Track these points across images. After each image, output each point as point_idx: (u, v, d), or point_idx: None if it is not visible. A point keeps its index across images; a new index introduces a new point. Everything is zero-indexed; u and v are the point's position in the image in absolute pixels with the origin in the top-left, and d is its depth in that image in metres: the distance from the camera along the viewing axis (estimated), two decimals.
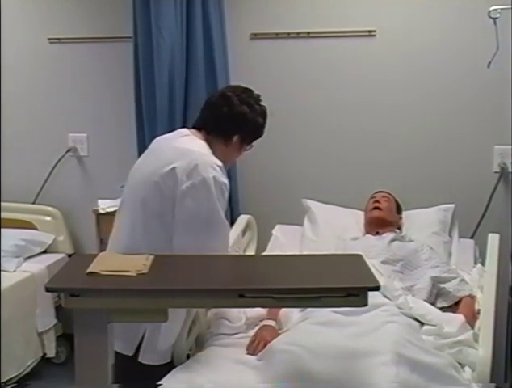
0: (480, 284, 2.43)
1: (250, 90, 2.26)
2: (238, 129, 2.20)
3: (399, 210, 2.86)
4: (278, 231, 2.98)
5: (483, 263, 2.56)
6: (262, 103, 2.26)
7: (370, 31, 3.02)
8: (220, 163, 2.09)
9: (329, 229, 2.89)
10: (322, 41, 3.09)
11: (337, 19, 3.06)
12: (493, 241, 2.55)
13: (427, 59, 2.98)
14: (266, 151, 2.88)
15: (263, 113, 2.26)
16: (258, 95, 2.26)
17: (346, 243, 2.68)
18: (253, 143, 2.30)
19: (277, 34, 3.13)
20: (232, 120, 2.19)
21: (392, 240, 2.62)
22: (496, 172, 2.96)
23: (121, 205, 2.26)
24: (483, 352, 1.93)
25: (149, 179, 2.09)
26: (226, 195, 2.11)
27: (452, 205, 2.90)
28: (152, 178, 2.08)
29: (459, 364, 1.99)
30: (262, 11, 3.15)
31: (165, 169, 2.05)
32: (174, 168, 2.04)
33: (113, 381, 1.66)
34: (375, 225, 2.75)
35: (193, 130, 2.23)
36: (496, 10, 2.55)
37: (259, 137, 2.30)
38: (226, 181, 2.09)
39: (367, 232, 2.79)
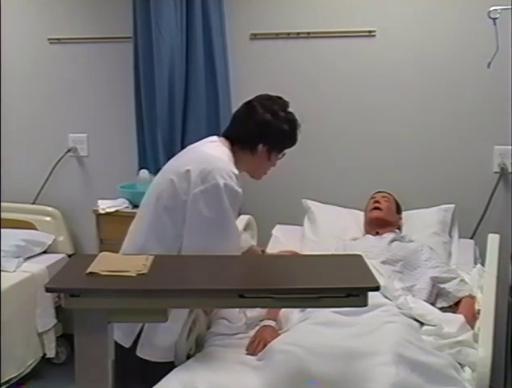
0: (480, 284, 2.43)
1: (276, 98, 2.24)
2: (262, 138, 2.18)
3: (399, 210, 2.86)
4: (278, 231, 2.99)
5: (483, 264, 2.56)
6: (289, 110, 2.23)
7: (370, 31, 3.02)
8: (236, 171, 2.10)
9: (329, 230, 2.89)
10: (322, 41, 3.09)
11: (337, 19, 3.06)
12: (492, 241, 2.55)
13: (427, 59, 2.98)
14: None
15: (290, 120, 2.22)
16: (285, 102, 2.24)
17: (346, 243, 2.68)
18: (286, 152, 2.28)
19: (277, 34, 3.13)
20: (255, 128, 2.18)
21: (392, 240, 2.62)
22: (496, 172, 2.96)
23: (141, 204, 2.31)
24: (483, 352, 1.92)
25: (167, 177, 2.14)
26: (238, 203, 2.13)
27: (452, 205, 2.90)
28: (169, 176, 2.14)
29: (459, 364, 1.99)
30: (262, 11, 3.15)
31: (182, 169, 2.10)
32: (189, 170, 2.08)
33: (113, 376, 1.66)
34: (375, 226, 2.75)
35: (222, 138, 2.25)
36: (496, 10, 2.55)
37: (289, 145, 2.27)
38: (239, 190, 2.09)
39: (367, 232, 2.79)
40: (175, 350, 2.08)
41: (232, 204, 2.08)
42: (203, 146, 2.22)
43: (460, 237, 2.88)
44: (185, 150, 2.32)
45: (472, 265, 2.69)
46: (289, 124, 2.22)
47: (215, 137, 2.27)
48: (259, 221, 3.02)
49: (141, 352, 2.16)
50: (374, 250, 2.53)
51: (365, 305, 1.64)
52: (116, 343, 1.88)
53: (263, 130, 2.18)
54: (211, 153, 2.15)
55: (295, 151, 3.09)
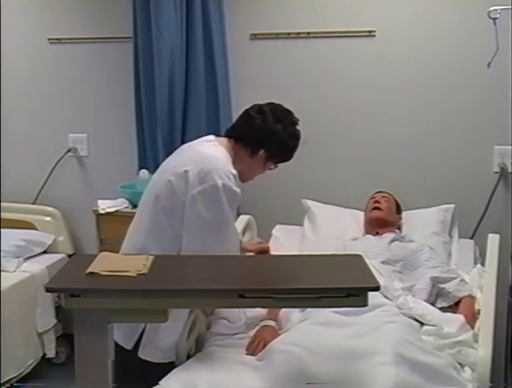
0: (480, 284, 2.43)
1: (289, 112, 2.28)
2: (266, 144, 2.22)
3: (399, 210, 2.86)
4: (278, 231, 2.98)
5: (483, 264, 2.56)
6: (297, 127, 2.27)
7: (370, 31, 3.02)
8: (234, 172, 2.11)
9: (329, 230, 2.88)
10: (322, 41, 3.09)
11: (337, 19, 3.06)
12: (492, 241, 2.55)
13: (427, 59, 2.98)
14: None
15: (296, 137, 2.27)
16: (296, 119, 2.27)
17: (346, 243, 2.68)
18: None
19: (277, 34, 3.13)
20: (263, 134, 2.21)
21: (392, 240, 2.62)
22: (496, 172, 2.96)
23: (140, 203, 2.31)
24: (483, 352, 1.92)
25: (165, 177, 2.14)
26: (236, 204, 2.14)
27: (452, 205, 2.90)
28: (167, 176, 2.14)
29: (459, 364, 1.99)
30: (262, 11, 3.15)
31: (180, 170, 2.10)
32: (187, 171, 2.08)
33: (113, 376, 1.67)
34: (375, 226, 2.74)
35: (221, 138, 2.27)
36: (496, 10, 2.55)
37: (287, 159, 2.31)
38: (238, 190, 2.11)
39: (367, 232, 2.79)
40: (176, 350, 2.09)
41: (231, 204, 2.09)
42: (201, 146, 2.22)
43: (460, 237, 2.88)
44: (181, 149, 2.32)
45: (472, 265, 2.69)
46: (293, 141, 2.26)
47: (211, 137, 2.28)
48: (259, 221, 3.02)
49: (143, 353, 2.16)
50: (374, 250, 2.52)
51: (365, 305, 1.64)
52: (117, 345, 1.88)
53: (270, 138, 2.21)
54: (210, 152, 2.15)
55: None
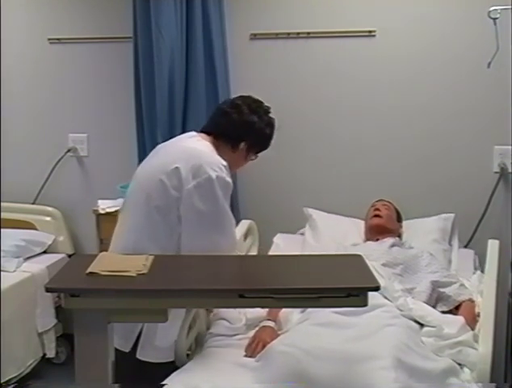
0: (480, 289, 2.42)
1: (260, 102, 2.34)
2: (246, 137, 2.27)
3: (399, 218, 2.86)
4: (279, 239, 2.98)
5: (482, 271, 2.54)
6: (270, 115, 2.33)
7: (370, 31, 3.02)
8: (224, 163, 2.15)
9: (331, 237, 2.87)
10: (322, 41, 3.09)
11: (337, 19, 3.05)
12: (492, 247, 2.54)
13: (427, 59, 2.98)
14: (266, 157, 2.62)
15: (271, 125, 2.33)
16: (268, 107, 2.33)
17: (347, 248, 2.67)
18: (259, 155, 2.36)
19: (277, 34, 3.13)
20: (241, 127, 2.27)
21: (393, 245, 2.61)
22: (496, 172, 2.96)
23: (124, 204, 2.31)
24: (483, 351, 1.92)
25: (154, 177, 2.14)
26: (229, 194, 2.18)
27: (452, 214, 2.90)
28: (157, 175, 2.13)
29: (459, 364, 1.98)
30: (262, 11, 3.14)
31: (171, 167, 2.11)
32: (178, 167, 2.10)
33: (113, 378, 1.67)
34: (376, 233, 2.74)
35: (202, 134, 2.30)
36: (496, 10, 2.55)
37: (265, 148, 2.36)
38: (230, 180, 2.16)
39: (368, 239, 2.78)
40: (175, 349, 2.08)
41: (225, 194, 2.13)
42: (186, 142, 2.25)
43: (460, 243, 2.88)
44: (163, 146, 2.33)
45: (471, 272, 2.68)
46: (270, 129, 2.33)
47: (193, 133, 2.32)
48: (260, 229, 3.01)
49: (142, 355, 2.16)
50: (374, 254, 2.51)
51: (365, 305, 1.64)
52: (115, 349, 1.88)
53: (247, 130, 2.27)
54: (197, 147, 2.19)
55: (294, 154, 3.08)
